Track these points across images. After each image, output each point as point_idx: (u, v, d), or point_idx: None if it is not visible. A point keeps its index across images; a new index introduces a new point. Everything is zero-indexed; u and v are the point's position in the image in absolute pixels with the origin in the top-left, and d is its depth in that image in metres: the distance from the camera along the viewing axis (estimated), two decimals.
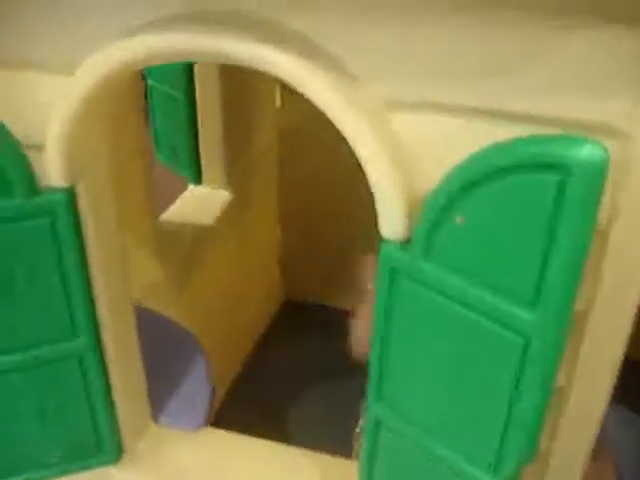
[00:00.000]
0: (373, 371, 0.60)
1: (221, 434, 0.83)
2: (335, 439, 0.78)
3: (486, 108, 0.47)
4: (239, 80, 1.09)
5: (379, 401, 0.61)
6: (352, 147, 0.50)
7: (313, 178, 1.26)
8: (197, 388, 0.87)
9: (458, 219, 0.47)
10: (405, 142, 0.50)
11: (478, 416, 0.55)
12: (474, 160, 0.46)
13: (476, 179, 0.45)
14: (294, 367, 1.24)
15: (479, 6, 0.45)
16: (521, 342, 0.48)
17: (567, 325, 0.47)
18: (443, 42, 0.46)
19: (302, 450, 0.79)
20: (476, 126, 0.48)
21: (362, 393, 0.63)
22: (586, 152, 0.41)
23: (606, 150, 0.41)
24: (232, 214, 1.15)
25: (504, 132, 0.46)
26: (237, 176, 1.17)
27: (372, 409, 0.62)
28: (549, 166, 0.42)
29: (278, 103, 1.24)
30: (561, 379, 0.54)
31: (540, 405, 0.52)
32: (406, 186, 0.50)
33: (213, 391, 0.88)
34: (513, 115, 0.47)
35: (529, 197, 0.43)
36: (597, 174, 0.41)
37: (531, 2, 0.44)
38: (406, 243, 0.51)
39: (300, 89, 0.49)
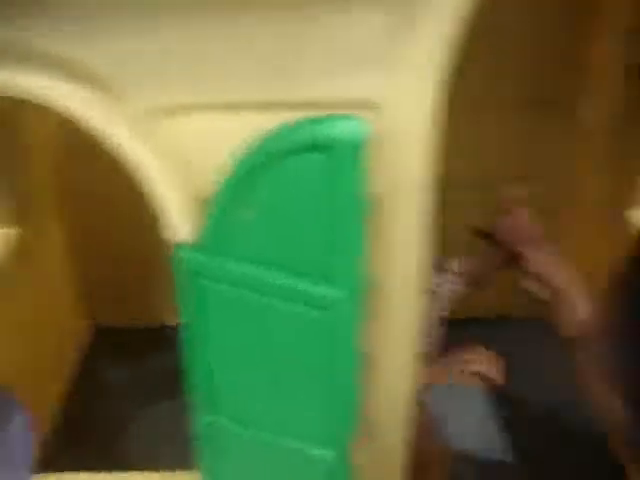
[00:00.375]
0: (198, 382, 0.59)
1: (53, 478, 0.78)
2: (173, 454, 0.77)
3: (256, 101, 0.48)
4: None
5: (210, 409, 0.61)
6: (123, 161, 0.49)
7: (104, 197, 1.21)
8: (17, 441, 0.81)
9: (245, 211, 0.48)
10: (179, 146, 0.50)
11: (305, 399, 0.56)
12: (250, 152, 0.47)
13: (254, 169, 0.47)
14: (116, 392, 1.21)
15: (226, 7, 0.45)
16: (325, 317, 0.50)
17: (364, 295, 0.50)
18: (203, 43, 0.47)
19: (142, 473, 0.77)
20: (249, 119, 0.48)
21: (190, 406, 0.62)
22: (347, 129, 0.44)
23: (365, 125, 0.44)
24: (20, 251, 1.08)
25: (275, 120, 0.47)
26: (16, 211, 1.09)
27: (203, 419, 0.62)
28: (317, 147, 0.44)
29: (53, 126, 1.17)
30: (369, 350, 0.57)
31: (354, 375, 0.54)
32: (186, 188, 0.50)
33: (34, 439, 0.82)
34: (284, 104, 0.48)
35: (305, 178, 0.45)
36: (359, 148, 0.44)
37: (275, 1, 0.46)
38: (199, 244, 0.52)
39: (61, 111, 0.47)
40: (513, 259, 0.81)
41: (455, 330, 0.93)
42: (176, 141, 0.49)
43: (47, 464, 0.87)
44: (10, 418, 0.83)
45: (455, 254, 0.96)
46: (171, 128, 0.49)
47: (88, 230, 1.27)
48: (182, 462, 0.74)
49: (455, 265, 0.95)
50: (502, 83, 1.09)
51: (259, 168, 0.46)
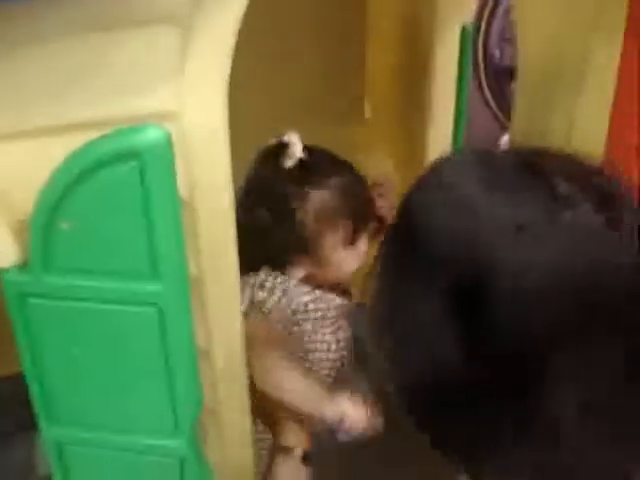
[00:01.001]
0: (38, 399, 0.61)
1: None
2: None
3: (62, 124, 0.52)
4: None
5: (54, 423, 0.63)
6: None
7: None
8: None
9: (64, 225, 0.52)
10: None
11: (147, 394, 0.60)
12: (63, 171, 0.51)
13: (70, 186, 0.51)
14: None
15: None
16: (155, 313, 0.55)
17: (187, 288, 0.56)
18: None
19: None
20: (58, 141, 0.52)
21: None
22: (149, 138, 0.49)
23: (166, 133, 0.50)
24: None
25: (84, 138, 0.51)
26: None
27: (49, 433, 0.64)
28: (124, 157, 0.49)
29: None
30: (202, 342, 0.62)
31: (190, 365, 0.60)
32: (5, 215, 0.53)
33: None
34: (88, 123, 0.52)
35: (117, 187, 0.50)
36: (162, 154, 0.50)
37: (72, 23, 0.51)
38: (25, 265, 0.55)
39: None
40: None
41: None
42: None
43: None
44: None
45: None
46: None
47: None
48: None
49: None
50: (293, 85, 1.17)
51: (74, 185, 0.51)
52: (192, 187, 0.55)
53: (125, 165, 0.49)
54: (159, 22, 0.54)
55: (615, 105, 0.68)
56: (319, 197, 0.80)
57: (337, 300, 0.87)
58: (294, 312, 0.82)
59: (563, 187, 0.39)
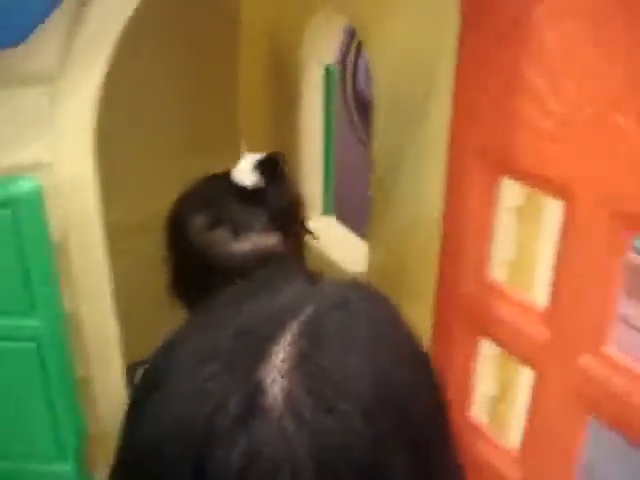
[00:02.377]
0: None
1: None
2: None
3: None
4: None
5: None
6: None
7: None
8: None
9: None
10: None
11: (32, 424, 0.65)
12: None
13: None
14: None
15: None
16: (34, 347, 0.60)
17: (62, 323, 0.61)
18: None
19: None
20: None
21: None
22: (22, 188, 0.55)
23: (37, 183, 0.55)
24: None
25: None
26: None
27: None
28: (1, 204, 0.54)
29: None
30: (82, 370, 0.67)
31: (70, 395, 0.65)
32: None
33: None
34: None
35: None
36: (34, 202, 0.55)
37: None
38: None
39: None
40: None
41: None
42: None
43: None
44: None
45: None
46: None
47: None
48: None
49: None
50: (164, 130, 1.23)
51: None
52: (65, 231, 0.61)
53: (1, 211, 0.54)
54: (30, 82, 0.60)
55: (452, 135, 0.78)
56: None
57: None
58: None
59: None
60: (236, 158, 1.34)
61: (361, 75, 1.74)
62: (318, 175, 1.23)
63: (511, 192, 0.76)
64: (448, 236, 0.80)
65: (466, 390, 0.85)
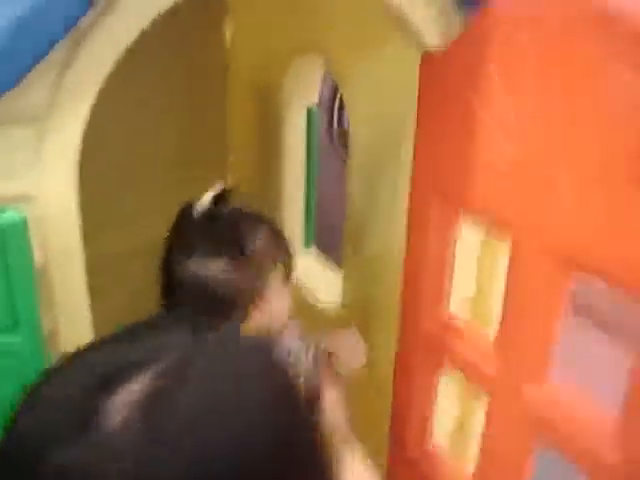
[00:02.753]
0: None
1: None
2: None
3: None
4: None
5: None
6: None
7: None
8: None
9: None
10: None
11: None
12: None
13: None
14: None
15: None
16: (14, 362, 0.65)
17: (42, 340, 0.66)
18: None
19: None
20: None
21: None
22: (8, 218, 0.60)
23: (22, 214, 0.61)
24: None
25: None
26: None
27: None
28: None
29: None
30: None
31: None
32: None
33: None
34: None
35: None
36: (19, 231, 0.60)
37: None
38: None
39: None
40: None
41: None
42: None
43: None
44: None
45: None
46: None
47: None
48: None
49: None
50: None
51: None
52: (47, 256, 0.66)
53: None
54: (19, 120, 0.65)
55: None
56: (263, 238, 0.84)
57: None
58: None
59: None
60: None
61: (347, 116, 1.81)
62: (299, 209, 1.29)
63: (470, 231, 0.82)
64: (409, 272, 0.85)
65: (426, 421, 0.90)
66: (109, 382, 0.38)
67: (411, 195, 0.83)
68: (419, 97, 0.79)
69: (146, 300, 0.85)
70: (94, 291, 0.72)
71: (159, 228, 0.97)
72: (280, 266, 0.86)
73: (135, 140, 1.15)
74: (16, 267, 0.61)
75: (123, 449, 0.35)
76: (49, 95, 0.64)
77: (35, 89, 0.63)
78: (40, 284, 0.65)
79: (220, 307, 0.81)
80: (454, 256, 0.80)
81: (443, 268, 0.81)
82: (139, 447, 0.35)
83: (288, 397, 0.44)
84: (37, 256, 0.64)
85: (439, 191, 0.79)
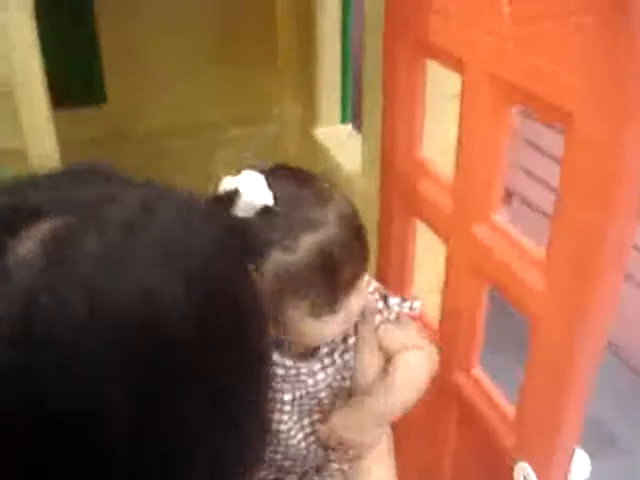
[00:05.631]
0: None
1: None
2: None
3: None
4: None
5: None
6: None
7: None
8: None
9: None
10: None
11: None
12: None
13: None
14: None
15: None
16: None
17: None
18: None
19: None
20: None
21: None
22: None
23: None
24: None
25: None
26: None
27: None
28: None
29: None
30: None
31: None
32: None
33: None
34: None
35: None
36: None
37: None
38: None
39: None
40: None
41: None
42: None
43: None
44: None
45: None
46: None
47: None
48: None
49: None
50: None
51: None
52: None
53: None
54: None
55: None
56: (282, 262, 0.60)
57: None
58: None
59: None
60: (272, 73, 1.44)
61: None
62: (336, 85, 1.32)
63: (448, 81, 0.81)
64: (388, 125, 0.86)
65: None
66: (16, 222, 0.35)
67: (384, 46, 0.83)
68: None
69: None
70: None
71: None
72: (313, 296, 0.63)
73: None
74: None
75: (19, 280, 0.33)
76: None
77: None
78: None
79: None
80: (424, 100, 0.80)
81: (416, 110, 0.81)
82: (34, 278, 0.33)
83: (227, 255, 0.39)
84: None
85: (406, 36, 0.78)
